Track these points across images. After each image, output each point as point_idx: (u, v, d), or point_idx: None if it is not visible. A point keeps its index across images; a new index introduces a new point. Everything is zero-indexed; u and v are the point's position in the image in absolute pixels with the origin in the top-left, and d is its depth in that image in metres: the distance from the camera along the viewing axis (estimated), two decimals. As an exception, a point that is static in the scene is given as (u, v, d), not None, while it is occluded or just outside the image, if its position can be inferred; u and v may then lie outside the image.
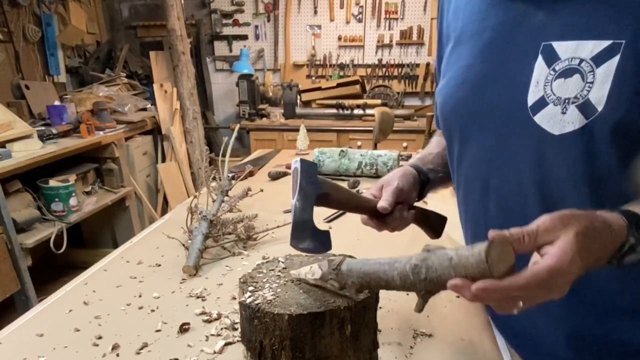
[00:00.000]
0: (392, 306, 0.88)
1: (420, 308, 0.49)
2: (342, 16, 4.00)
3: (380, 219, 0.73)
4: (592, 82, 0.52)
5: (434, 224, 0.80)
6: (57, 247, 2.34)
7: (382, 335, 0.78)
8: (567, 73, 0.54)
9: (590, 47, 0.52)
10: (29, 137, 2.39)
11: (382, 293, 0.67)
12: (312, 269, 0.58)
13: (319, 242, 0.64)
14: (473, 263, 0.41)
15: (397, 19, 3.93)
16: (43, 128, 2.65)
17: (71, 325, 0.82)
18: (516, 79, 0.58)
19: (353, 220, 1.37)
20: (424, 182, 0.80)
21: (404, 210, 0.74)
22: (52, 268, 2.90)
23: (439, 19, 0.78)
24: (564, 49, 0.54)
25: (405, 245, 1.18)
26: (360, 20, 4.00)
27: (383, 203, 0.70)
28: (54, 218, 2.43)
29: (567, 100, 0.54)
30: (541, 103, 0.56)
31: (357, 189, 1.54)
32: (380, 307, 0.84)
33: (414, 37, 3.93)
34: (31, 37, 3.24)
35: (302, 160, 0.66)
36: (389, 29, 3.97)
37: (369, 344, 0.62)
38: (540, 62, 0.56)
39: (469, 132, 0.67)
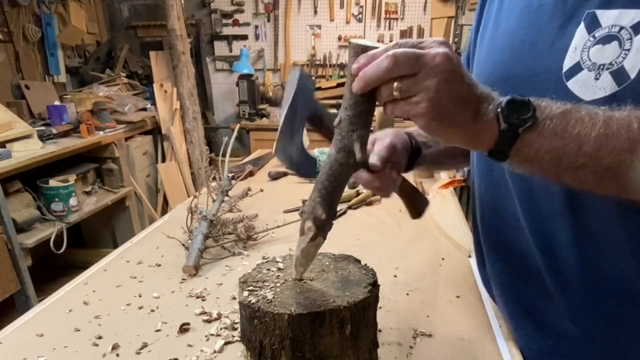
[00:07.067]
0: (392, 306, 0.88)
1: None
2: (342, 16, 4.00)
3: (370, 173, 0.70)
4: (628, 50, 0.53)
5: (417, 203, 0.78)
6: (57, 247, 2.34)
7: (382, 335, 0.78)
8: (605, 40, 0.55)
9: (632, 16, 0.53)
10: (29, 137, 2.39)
11: (382, 293, 0.67)
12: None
13: (302, 161, 0.59)
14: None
15: (397, 19, 3.93)
16: (43, 128, 2.65)
17: (71, 325, 0.82)
18: (555, 45, 0.59)
19: (353, 220, 1.37)
20: (415, 151, 0.78)
21: (393, 171, 0.72)
22: (52, 268, 2.90)
23: None
24: (607, 17, 0.55)
25: (405, 245, 1.18)
26: (360, 20, 4.00)
27: (375, 159, 0.68)
28: (54, 218, 2.43)
29: (601, 67, 0.55)
30: (576, 68, 0.57)
31: (357, 188, 1.54)
32: (380, 307, 0.84)
33: (414, 37, 3.92)
34: (31, 37, 3.24)
35: (302, 72, 0.61)
36: (389, 29, 3.98)
37: (369, 344, 0.62)
38: (581, 28, 0.57)
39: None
